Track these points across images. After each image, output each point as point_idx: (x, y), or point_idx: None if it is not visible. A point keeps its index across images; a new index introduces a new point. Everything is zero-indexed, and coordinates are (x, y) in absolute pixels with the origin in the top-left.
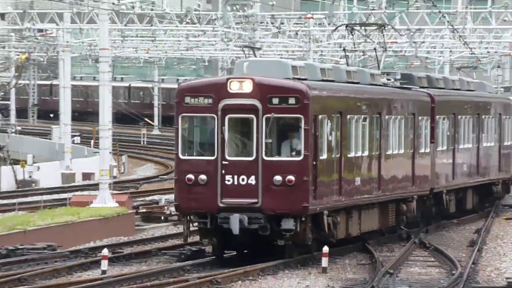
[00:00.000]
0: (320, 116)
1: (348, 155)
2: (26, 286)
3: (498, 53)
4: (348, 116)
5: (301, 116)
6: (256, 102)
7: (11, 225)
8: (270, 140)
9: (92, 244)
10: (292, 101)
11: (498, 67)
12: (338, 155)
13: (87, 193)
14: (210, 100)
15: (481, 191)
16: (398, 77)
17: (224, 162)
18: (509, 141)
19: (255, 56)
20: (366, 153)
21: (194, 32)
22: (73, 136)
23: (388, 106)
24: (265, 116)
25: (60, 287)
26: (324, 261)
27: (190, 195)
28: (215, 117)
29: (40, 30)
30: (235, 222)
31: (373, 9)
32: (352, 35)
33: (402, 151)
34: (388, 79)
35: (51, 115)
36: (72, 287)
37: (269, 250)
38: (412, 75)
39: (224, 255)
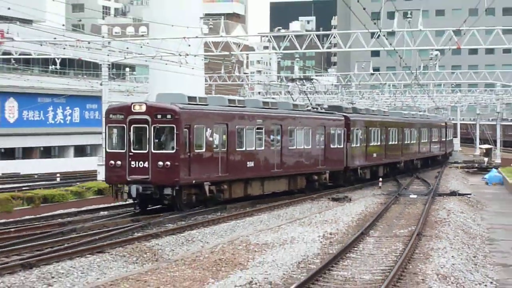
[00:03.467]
0: (195, 126)
1: (237, 149)
2: None
3: (446, 104)
4: (236, 126)
5: (174, 126)
6: (147, 117)
7: None
8: (156, 140)
9: None
10: (169, 116)
11: (446, 110)
12: (224, 149)
13: None
14: (122, 116)
15: (390, 166)
16: (326, 107)
17: (130, 153)
18: (408, 141)
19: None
20: (261, 148)
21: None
22: None
23: (292, 121)
24: (153, 125)
25: None
26: (380, 184)
27: (112, 173)
28: (125, 126)
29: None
30: (133, 190)
31: (398, 89)
32: (297, 84)
33: (309, 146)
34: (314, 108)
35: None
36: None
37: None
38: (341, 106)
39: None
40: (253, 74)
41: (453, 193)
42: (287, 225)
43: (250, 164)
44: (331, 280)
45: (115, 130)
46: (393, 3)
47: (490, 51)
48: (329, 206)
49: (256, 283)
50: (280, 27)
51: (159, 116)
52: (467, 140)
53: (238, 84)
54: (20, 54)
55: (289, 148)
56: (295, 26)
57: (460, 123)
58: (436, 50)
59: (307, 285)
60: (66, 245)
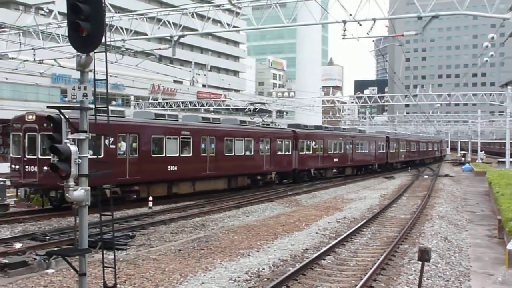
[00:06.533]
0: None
1: (153, 155)
2: None
3: (442, 131)
4: (152, 136)
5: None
6: (36, 126)
7: None
8: (44, 146)
9: None
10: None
11: (443, 133)
12: (135, 155)
13: None
14: (19, 125)
15: (363, 167)
16: (278, 125)
17: (24, 159)
18: (360, 151)
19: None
20: (188, 154)
21: None
22: None
23: (229, 133)
24: (40, 133)
25: None
26: (409, 170)
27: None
28: (21, 134)
29: None
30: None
31: (419, 123)
32: (256, 113)
33: (252, 153)
34: (264, 125)
35: None
36: None
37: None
38: (300, 124)
39: None
40: (345, 115)
41: (446, 175)
42: (362, 189)
43: (173, 168)
44: (384, 217)
45: (15, 137)
46: (417, 80)
47: (465, 104)
48: (383, 181)
49: (347, 218)
50: (359, 92)
51: (45, 125)
52: (454, 149)
53: (338, 120)
54: (233, 105)
55: (226, 154)
56: (367, 91)
57: (450, 140)
58: (438, 103)
59: (372, 220)
60: (254, 197)
